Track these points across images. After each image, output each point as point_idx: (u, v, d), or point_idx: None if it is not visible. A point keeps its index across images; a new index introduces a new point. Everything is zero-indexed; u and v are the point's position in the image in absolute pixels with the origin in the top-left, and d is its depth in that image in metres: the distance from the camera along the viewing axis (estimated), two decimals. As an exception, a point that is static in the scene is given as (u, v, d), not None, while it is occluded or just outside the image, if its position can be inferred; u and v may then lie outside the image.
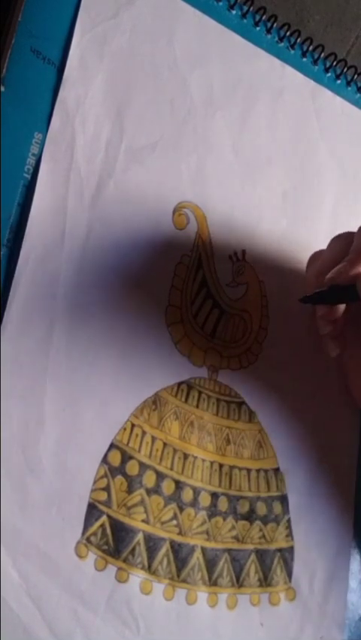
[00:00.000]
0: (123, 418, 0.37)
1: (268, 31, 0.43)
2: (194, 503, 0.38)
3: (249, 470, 0.40)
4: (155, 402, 0.38)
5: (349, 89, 0.46)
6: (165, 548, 0.37)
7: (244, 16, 0.42)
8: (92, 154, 0.37)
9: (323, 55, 0.45)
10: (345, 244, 0.39)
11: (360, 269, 0.37)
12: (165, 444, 0.38)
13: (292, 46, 0.44)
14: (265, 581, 0.40)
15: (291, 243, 0.44)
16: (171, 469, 0.38)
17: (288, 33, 0.43)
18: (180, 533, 0.38)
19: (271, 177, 0.43)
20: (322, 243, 0.45)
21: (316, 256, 0.42)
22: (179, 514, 0.38)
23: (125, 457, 0.37)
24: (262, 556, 0.40)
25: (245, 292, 0.42)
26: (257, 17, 0.42)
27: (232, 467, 0.40)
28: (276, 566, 0.40)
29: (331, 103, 0.45)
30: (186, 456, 0.38)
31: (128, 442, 0.37)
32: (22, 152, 0.36)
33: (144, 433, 0.37)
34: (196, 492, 0.38)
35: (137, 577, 0.36)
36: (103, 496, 0.36)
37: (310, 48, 0.44)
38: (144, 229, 0.39)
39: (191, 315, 0.40)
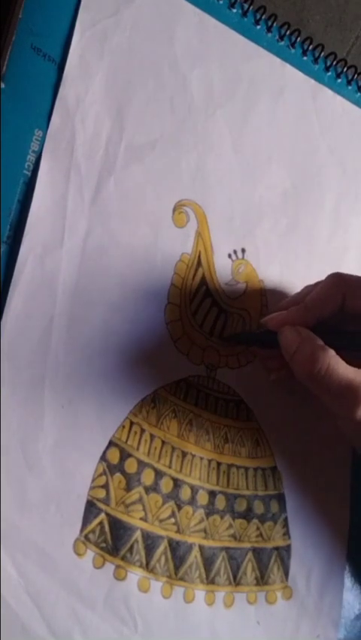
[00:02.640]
0: (122, 416, 0.37)
1: (269, 29, 0.43)
2: (192, 501, 0.38)
3: (246, 469, 0.40)
4: (153, 400, 0.38)
5: (349, 88, 0.46)
6: (163, 546, 0.37)
7: (244, 14, 0.42)
8: (92, 151, 0.37)
9: (323, 54, 0.45)
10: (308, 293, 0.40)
11: (295, 319, 0.38)
12: (163, 442, 0.38)
13: (293, 45, 0.44)
14: (262, 580, 0.40)
15: (291, 242, 0.44)
16: (170, 467, 0.38)
17: (288, 32, 0.43)
18: (178, 531, 0.38)
19: (272, 176, 0.43)
20: (322, 243, 0.45)
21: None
22: (177, 512, 0.38)
23: (124, 455, 0.37)
24: (259, 554, 0.40)
25: (244, 291, 0.42)
26: (257, 16, 0.42)
27: (229, 465, 0.40)
28: (273, 564, 0.40)
29: (331, 102, 0.45)
30: (184, 454, 0.39)
31: (126, 440, 0.37)
32: (22, 148, 0.36)
33: (142, 430, 0.37)
34: (194, 490, 0.38)
35: (135, 575, 0.36)
36: (101, 493, 0.36)
37: (311, 47, 0.44)
38: (143, 227, 0.39)
39: (190, 313, 0.40)
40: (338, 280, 0.38)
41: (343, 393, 0.35)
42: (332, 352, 0.36)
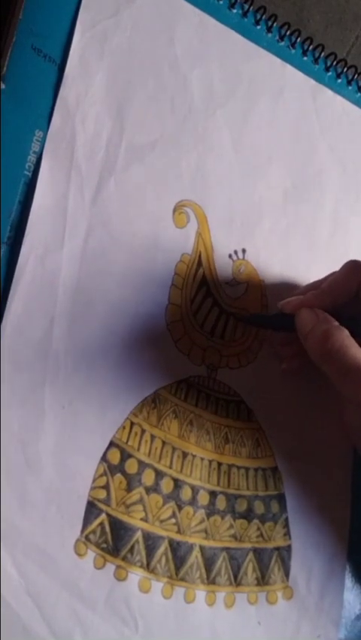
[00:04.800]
0: (123, 417, 0.37)
1: (269, 30, 0.43)
2: (192, 502, 0.38)
3: (247, 469, 0.40)
4: (154, 400, 0.38)
5: (349, 88, 0.46)
6: (163, 547, 0.37)
7: (244, 14, 0.42)
8: (92, 152, 0.37)
9: (323, 54, 0.45)
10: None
11: (312, 303, 0.39)
12: (164, 442, 0.38)
13: (293, 45, 0.44)
14: (263, 580, 0.40)
15: (291, 242, 0.44)
16: (170, 467, 0.38)
17: (288, 32, 0.43)
18: (178, 532, 0.38)
19: (272, 176, 0.43)
20: (322, 243, 0.45)
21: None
22: (178, 513, 0.38)
23: (125, 456, 0.37)
24: (259, 554, 0.40)
25: (245, 291, 0.42)
26: (258, 16, 0.42)
27: (230, 466, 0.40)
28: (273, 564, 0.40)
29: (331, 102, 0.45)
30: (185, 454, 0.39)
31: (127, 441, 0.37)
32: (23, 149, 0.36)
33: (143, 431, 0.37)
34: (195, 490, 0.38)
35: (135, 575, 0.36)
36: (102, 494, 0.36)
37: (311, 47, 0.44)
38: (144, 227, 0.39)
39: (191, 313, 0.40)
40: (354, 267, 0.39)
41: (353, 374, 0.36)
42: (346, 332, 0.37)
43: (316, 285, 0.41)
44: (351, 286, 0.39)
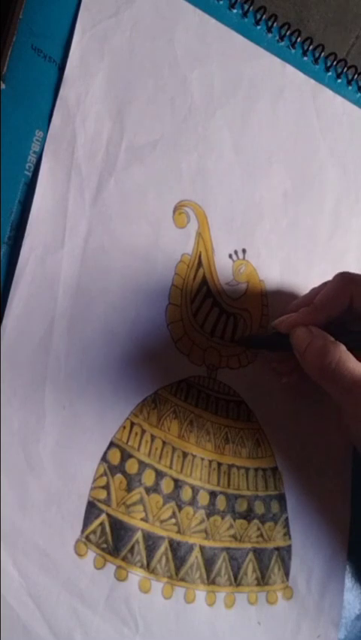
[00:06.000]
0: (123, 417, 0.37)
1: (269, 30, 0.43)
2: (193, 502, 0.38)
3: (247, 469, 0.40)
4: (154, 400, 0.38)
5: (349, 88, 0.46)
6: (163, 547, 0.37)
7: (244, 15, 0.42)
8: (92, 152, 0.37)
9: (323, 54, 0.45)
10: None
11: (305, 320, 0.39)
12: (164, 442, 0.38)
13: (293, 45, 0.44)
14: (263, 580, 0.40)
15: (291, 242, 0.44)
16: (170, 467, 0.38)
17: (288, 32, 0.43)
18: (178, 532, 0.38)
19: (272, 176, 0.43)
20: (322, 243, 0.45)
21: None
22: (178, 513, 0.38)
23: (125, 456, 0.37)
24: (259, 555, 0.40)
25: (245, 291, 0.42)
26: (258, 16, 0.42)
27: (230, 466, 0.40)
28: (273, 564, 0.40)
29: (331, 102, 0.45)
30: (185, 454, 0.39)
31: (127, 441, 0.37)
32: (23, 149, 0.36)
33: (143, 431, 0.37)
34: (195, 491, 0.38)
35: (136, 575, 0.36)
36: (102, 494, 0.36)
37: (311, 47, 0.44)
38: (144, 227, 0.39)
39: (191, 313, 0.40)
40: (345, 279, 0.39)
41: (352, 388, 0.36)
42: (342, 347, 0.37)
43: (308, 301, 0.41)
44: (343, 299, 0.39)
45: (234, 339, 0.41)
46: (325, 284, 0.40)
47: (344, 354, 0.37)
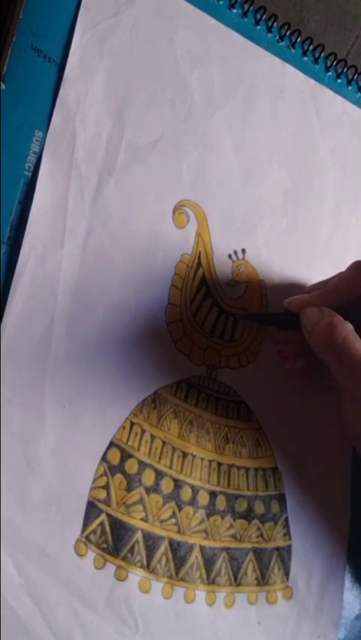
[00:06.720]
0: (123, 417, 0.37)
1: (269, 30, 0.43)
2: (193, 502, 0.38)
3: (247, 469, 0.40)
4: (154, 400, 0.38)
5: (349, 88, 0.46)
6: (163, 547, 0.37)
7: (244, 15, 0.42)
8: (92, 152, 0.37)
9: (323, 54, 0.45)
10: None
11: (317, 301, 0.39)
12: (164, 442, 0.38)
13: (293, 45, 0.44)
14: (263, 580, 0.40)
15: (291, 242, 0.44)
16: (170, 467, 0.38)
17: (288, 32, 0.43)
18: (178, 532, 0.38)
19: (272, 176, 0.43)
20: (322, 243, 0.45)
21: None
22: (178, 513, 0.38)
23: (125, 456, 0.37)
24: (259, 555, 0.40)
25: (245, 291, 0.42)
26: (258, 16, 0.42)
27: (230, 466, 0.40)
28: (273, 564, 0.40)
29: (331, 102, 0.45)
30: (185, 454, 0.39)
31: (127, 441, 0.37)
32: (22, 149, 0.36)
33: (143, 431, 0.37)
34: (195, 490, 0.38)
35: (136, 575, 0.36)
36: (102, 494, 0.36)
37: (311, 47, 0.44)
38: (144, 227, 0.39)
39: (190, 313, 0.40)
40: (360, 267, 0.39)
41: (355, 368, 0.36)
42: (350, 326, 0.37)
43: (321, 285, 0.41)
44: (356, 287, 0.39)
45: (233, 338, 0.41)
46: (339, 273, 0.41)
47: (351, 333, 0.37)
